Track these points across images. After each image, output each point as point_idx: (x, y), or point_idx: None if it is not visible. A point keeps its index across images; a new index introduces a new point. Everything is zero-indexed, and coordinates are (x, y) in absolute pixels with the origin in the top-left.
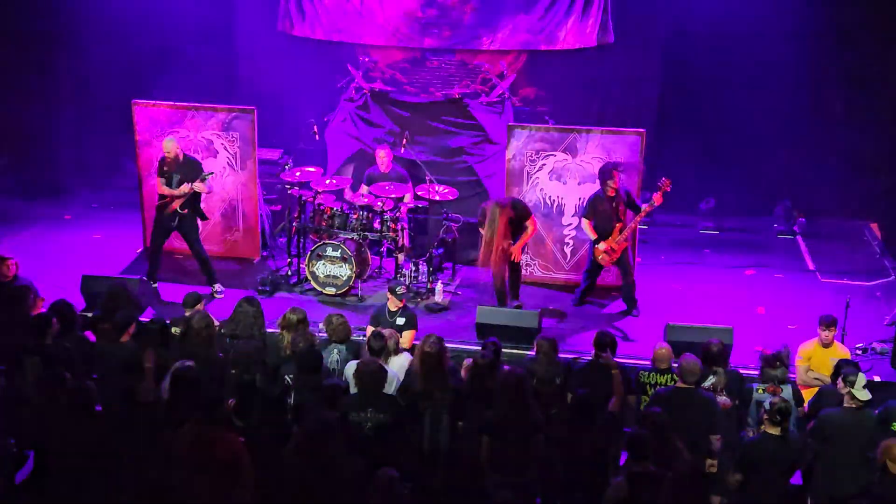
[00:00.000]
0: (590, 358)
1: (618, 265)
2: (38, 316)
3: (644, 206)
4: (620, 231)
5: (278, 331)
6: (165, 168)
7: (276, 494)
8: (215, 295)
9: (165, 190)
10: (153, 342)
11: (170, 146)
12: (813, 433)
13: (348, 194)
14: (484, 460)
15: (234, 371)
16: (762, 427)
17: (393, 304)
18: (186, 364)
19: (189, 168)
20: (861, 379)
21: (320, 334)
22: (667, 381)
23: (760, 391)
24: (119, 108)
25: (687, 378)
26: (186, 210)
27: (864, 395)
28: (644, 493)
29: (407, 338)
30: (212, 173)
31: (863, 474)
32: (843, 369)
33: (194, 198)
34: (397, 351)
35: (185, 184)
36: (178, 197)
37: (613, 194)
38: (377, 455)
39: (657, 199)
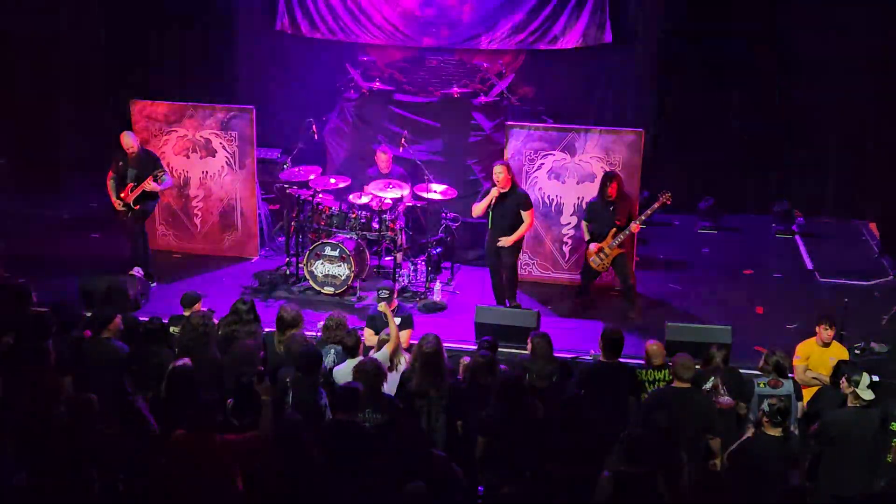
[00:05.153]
0: (589, 357)
1: (614, 270)
2: (38, 315)
3: (639, 220)
4: (613, 236)
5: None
6: (121, 163)
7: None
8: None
9: (112, 197)
10: (151, 341)
11: (128, 141)
12: (818, 435)
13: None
14: (479, 460)
15: (231, 373)
16: (762, 428)
17: (389, 305)
18: (183, 363)
19: (146, 163)
20: (865, 378)
21: (318, 334)
22: (665, 375)
23: (762, 385)
24: (118, 107)
25: (682, 375)
26: (138, 206)
27: (869, 395)
28: (630, 494)
29: (404, 337)
30: (164, 171)
31: (868, 474)
32: (845, 370)
33: (147, 195)
34: (358, 353)
35: (131, 184)
36: (130, 194)
37: (613, 199)
38: (376, 455)
39: (635, 226)
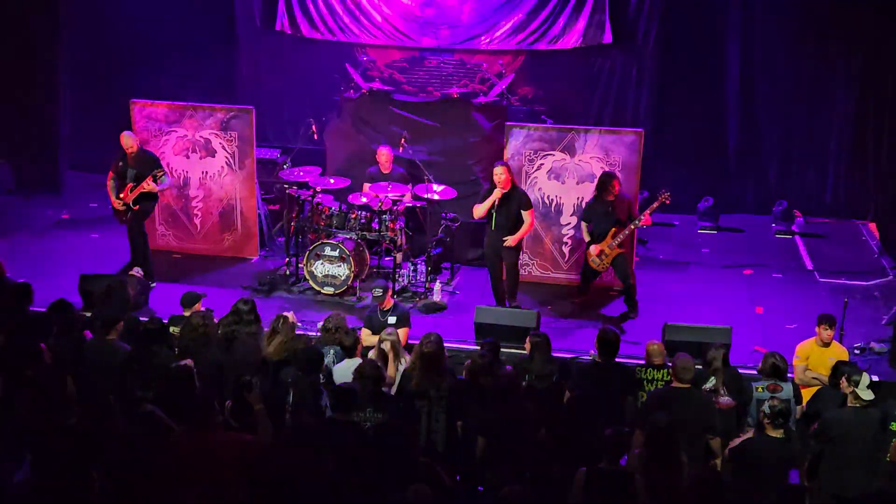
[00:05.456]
0: (589, 358)
1: (614, 269)
2: (38, 316)
3: (640, 219)
4: (613, 236)
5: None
6: (121, 164)
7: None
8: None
9: (112, 198)
10: (151, 341)
11: (128, 141)
12: (817, 434)
13: (355, 197)
14: (480, 460)
15: (230, 373)
16: (764, 429)
17: (384, 303)
18: (183, 363)
19: (145, 163)
20: (865, 378)
21: (317, 334)
22: (664, 375)
23: (760, 389)
24: (118, 108)
25: (682, 376)
26: (138, 206)
27: (869, 395)
28: (601, 491)
29: (401, 335)
30: (164, 172)
31: (868, 474)
32: (844, 370)
33: (147, 195)
34: (356, 353)
35: (131, 185)
36: (129, 194)
37: (612, 199)
38: (377, 455)
39: (646, 218)
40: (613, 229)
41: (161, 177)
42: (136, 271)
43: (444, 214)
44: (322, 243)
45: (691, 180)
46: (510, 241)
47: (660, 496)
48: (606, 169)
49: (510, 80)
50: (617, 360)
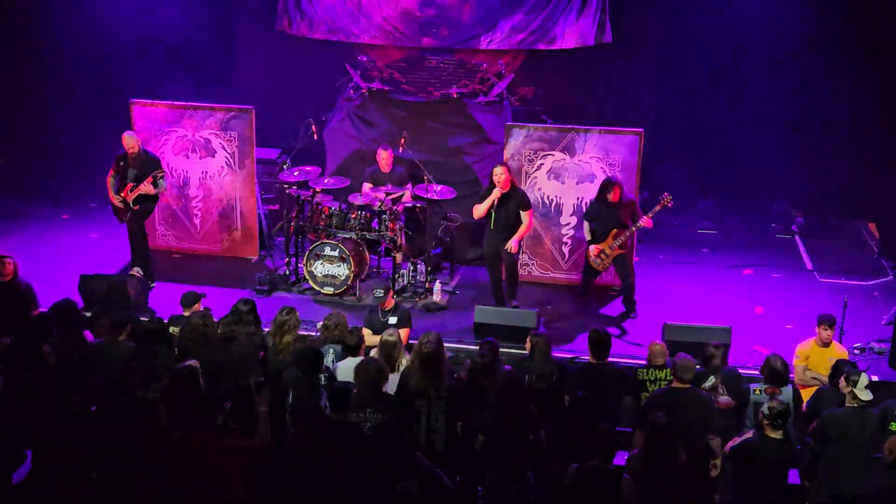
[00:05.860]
0: (587, 359)
1: (615, 268)
2: (40, 316)
3: (641, 221)
4: (614, 237)
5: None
6: (122, 164)
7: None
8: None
9: (111, 194)
10: (151, 341)
11: (130, 142)
12: (815, 434)
13: (355, 197)
14: (479, 456)
15: (230, 374)
16: (763, 430)
17: (385, 304)
18: (188, 363)
19: (147, 164)
20: (864, 378)
21: (317, 334)
22: (666, 375)
23: (758, 392)
24: (117, 108)
25: (682, 376)
26: (138, 206)
27: (867, 395)
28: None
29: (402, 335)
30: (164, 174)
31: (865, 474)
32: (844, 369)
33: (148, 195)
34: (359, 352)
35: (131, 185)
36: (129, 194)
37: (615, 200)
38: (377, 456)
39: (647, 221)
40: (615, 230)
41: (160, 179)
42: (136, 271)
43: (443, 214)
44: (322, 243)
45: (691, 180)
46: (510, 246)
47: (659, 496)
48: (606, 169)
49: (510, 80)
50: (618, 360)
